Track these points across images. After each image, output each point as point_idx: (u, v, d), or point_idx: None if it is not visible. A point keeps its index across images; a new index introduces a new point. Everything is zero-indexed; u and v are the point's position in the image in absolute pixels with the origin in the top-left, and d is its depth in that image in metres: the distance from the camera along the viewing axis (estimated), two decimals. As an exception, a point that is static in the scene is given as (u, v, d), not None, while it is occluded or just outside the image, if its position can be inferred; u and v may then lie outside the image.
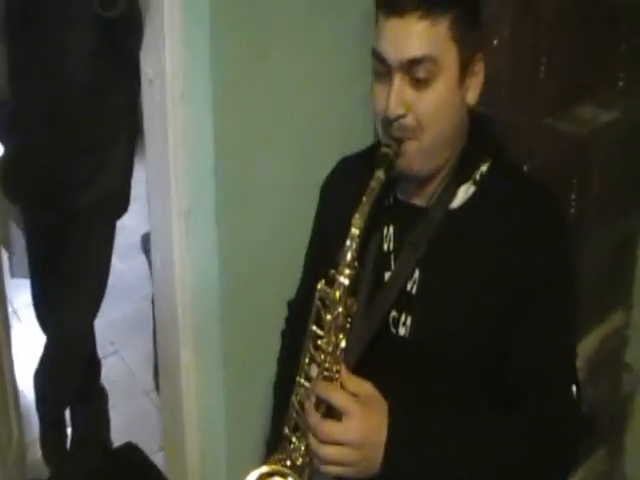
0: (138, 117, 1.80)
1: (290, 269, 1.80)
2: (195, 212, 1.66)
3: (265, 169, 1.69)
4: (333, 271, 0.95)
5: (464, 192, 1.03)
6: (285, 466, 1.06)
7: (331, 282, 0.97)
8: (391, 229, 1.07)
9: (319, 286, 0.97)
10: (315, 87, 1.71)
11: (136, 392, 2.61)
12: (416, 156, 0.98)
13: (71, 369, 2.07)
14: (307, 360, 1.03)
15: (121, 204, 1.97)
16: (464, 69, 0.97)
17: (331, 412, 0.98)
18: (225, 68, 1.52)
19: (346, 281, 0.94)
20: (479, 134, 1.05)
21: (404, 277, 1.05)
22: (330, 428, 0.97)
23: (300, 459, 1.05)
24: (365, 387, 0.99)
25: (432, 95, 0.95)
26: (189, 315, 1.78)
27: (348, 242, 0.93)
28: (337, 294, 0.95)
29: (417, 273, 1.05)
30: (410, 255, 1.05)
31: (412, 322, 1.05)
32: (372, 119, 1.69)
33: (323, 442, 0.97)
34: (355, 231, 0.92)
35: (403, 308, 1.06)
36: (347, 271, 0.94)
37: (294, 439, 1.06)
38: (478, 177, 1.03)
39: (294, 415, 1.07)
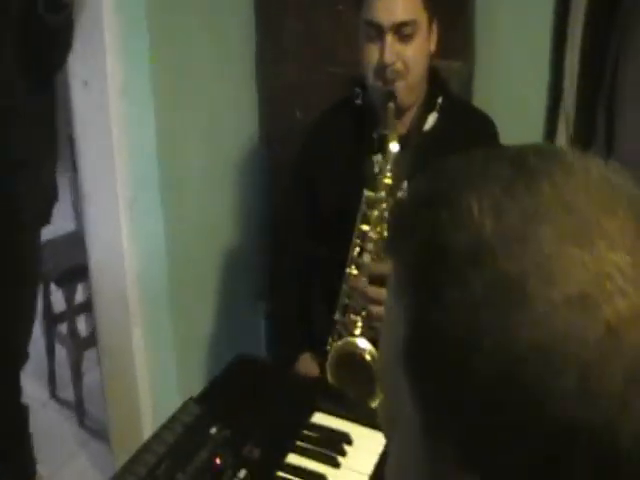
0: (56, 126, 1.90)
1: (231, 247, 2.11)
2: (140, 201, 1.86)
3: (200, 155, 1.96)
4: (379, 176, 1.32)
5: (432, 118, 1.46)
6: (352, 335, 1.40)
7: (374, 189, 1.34)
8: (379, 156, 1.46)
9: (366, 193, 1.34)
10: (224, 80, 2.03)
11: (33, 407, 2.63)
12: (404, 91, 1.39)
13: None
14: (356, 253, 1.38)
15: (48, 214, 2.02)
16: (429, 27, 1.39)
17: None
18: (164, 65, 1.77)
19: (390, 181, 1.32)
20: (434, 76, 1.48)
21: (394, 189, 1.45)
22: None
23: (358, 329, 1.41)
24: None
25: (414, 46, 1.36)
26: (138, 296, 1.96)
27: (388, 155, 1.31)
28: (383, 193, 1.32)
29: (404, 183, 1.45)
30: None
31: None
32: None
33: (383, 304, 1.34)
34: (394, 145, 1.30)
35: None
36: (389, 174, 1.32)
37: (352, 317, 1.41)
38: (438, 106, 1.46)
39: (346, 300, 1.41)
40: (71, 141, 1.98)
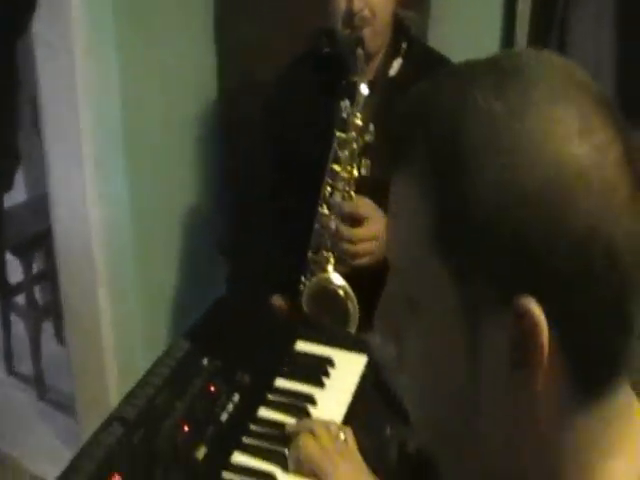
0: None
1: (192, 203, 2.16)
2: (104, 161, 1.90)
3: (162, 114, 2.00)
4: (349, 117, 1.41)
5: (397, 63, 1.55)
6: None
7: (344, 130, 1.42)
8: (347, 102, 1.52)
9: (337, 134, 1.42)
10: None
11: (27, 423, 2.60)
12: (371, 37, 1.47)
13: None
14: (327, 193, 1.47)
15: (11, 179, 2.03)
16: None
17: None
18: (127, 25, 1.81)
19: (360, 122, 1.40)
20: (399, 23, 1.57)
21: (363, 130, 1.52)
22: (360, 231, 1.43)
23: (330, 266, 1.50)
24: (368, 201, 1.47)
25: None
26: (103, 257, 2.00)
27: (358, 97, 1.40)
28: (353, 134, 1.41)
29: (371, 126, 1.53)
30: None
31: (371, 164, 1.54)
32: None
33: (356, 242, 1.43)
34: (364, 87, 1.39)
35: (363, 155, 1.54)
36: (359, 115, 1.40)
37: (324, 253, 1.50)
38: (403, 52, 1.55)
39: (318, 239, 1.50)
40: (33, 104, 1.99)
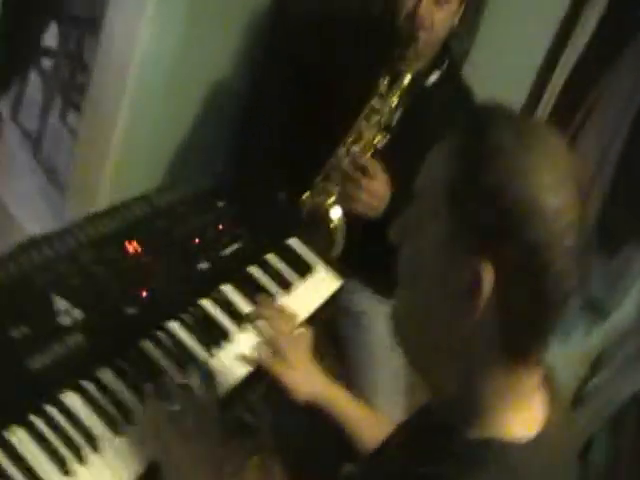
0: None
1: (225, 82, 2.27)
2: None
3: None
4: (388, 93, 1.63)
5: (435, 76, 1.73)
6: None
7: (381, 100, 1.65)
8: (386, 79, 1.67)
9: (373, 102, 1.64)
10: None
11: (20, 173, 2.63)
12: (423, 43, 1.62)
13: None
14: (351, 139, 1.66)
15: None
16: (460, 3, 1.66)
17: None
18: None
19: (396, 100, 1.64)
20: (447, 42, 1.75)
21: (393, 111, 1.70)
22: (367, 181, 1.60)
23: (332, 198, 1.67)
24: (379, 164, 1.65)
25: (445, 12, 1.62)
26: (139, 79, 1.97)
27: (400, 83, 1.62)
28: (387, 108, 1.65)
29: (398, 113, 1.70)
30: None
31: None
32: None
33: (363, 189, 1.61)
34: (408, 77, 1.62)
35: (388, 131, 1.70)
36: (397, 94, 1.65)
37: (330, 185, 1.68)
38: (444, 66, 1.74)
39: (329, 170, 1.68)
40: None
